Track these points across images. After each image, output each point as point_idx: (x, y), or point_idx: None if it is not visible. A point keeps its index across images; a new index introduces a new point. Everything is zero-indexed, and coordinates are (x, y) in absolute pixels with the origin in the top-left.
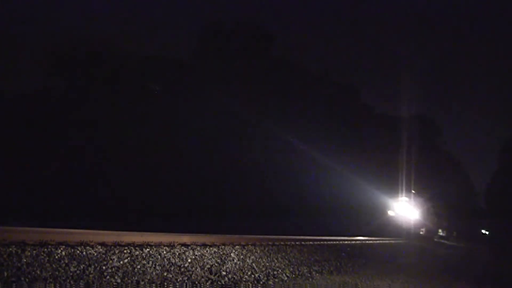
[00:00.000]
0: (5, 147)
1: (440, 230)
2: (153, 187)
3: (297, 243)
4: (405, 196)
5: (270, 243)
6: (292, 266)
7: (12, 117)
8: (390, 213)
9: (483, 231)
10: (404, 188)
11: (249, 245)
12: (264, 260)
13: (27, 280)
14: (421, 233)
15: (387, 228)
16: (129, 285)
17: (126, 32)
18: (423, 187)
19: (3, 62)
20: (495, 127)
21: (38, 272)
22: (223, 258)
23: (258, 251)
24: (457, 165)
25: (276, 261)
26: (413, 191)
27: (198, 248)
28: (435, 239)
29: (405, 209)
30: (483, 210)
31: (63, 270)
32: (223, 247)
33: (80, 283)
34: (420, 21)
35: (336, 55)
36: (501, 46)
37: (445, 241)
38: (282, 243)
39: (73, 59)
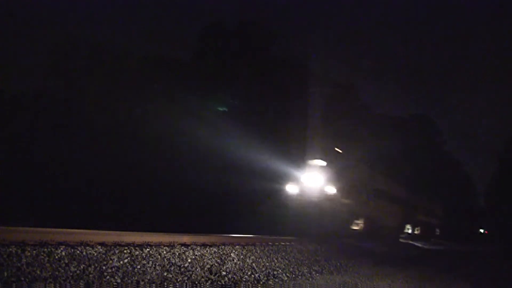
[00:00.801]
0: (5, 147)
1: (408, 226)
2: (153, 186)
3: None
4: (321, 159)
5: (270, 243)
6: (292, 266)
7: (12, 117)
8: (290, 188)
9: (481, 230)
10: (316, 144)
11: (249, 245)
12: (264, 260)
13: (27, 280)
14: (355, 228)
15: (286, 215)
16: (129, 285)
17: (126, 31)
18: (362, 145)
19: (3, 62)
20: (495, 127)
21: (38, 272)
22: (223, 258)
23: (258, 251)
24: (457, 164)
25: (276, 261)
26: (337, 150)
27: (198, 248)
28: (401, 240)
29: (320, 182)
30: (483, 209)
31: (63, 270)
32: (223, 247)
33: (80, 283)
34: (420, 21)
35: (335, 55)
36: (501, 45)
37: (413, 243)
38: (282, 243)
39: (73, 59)
